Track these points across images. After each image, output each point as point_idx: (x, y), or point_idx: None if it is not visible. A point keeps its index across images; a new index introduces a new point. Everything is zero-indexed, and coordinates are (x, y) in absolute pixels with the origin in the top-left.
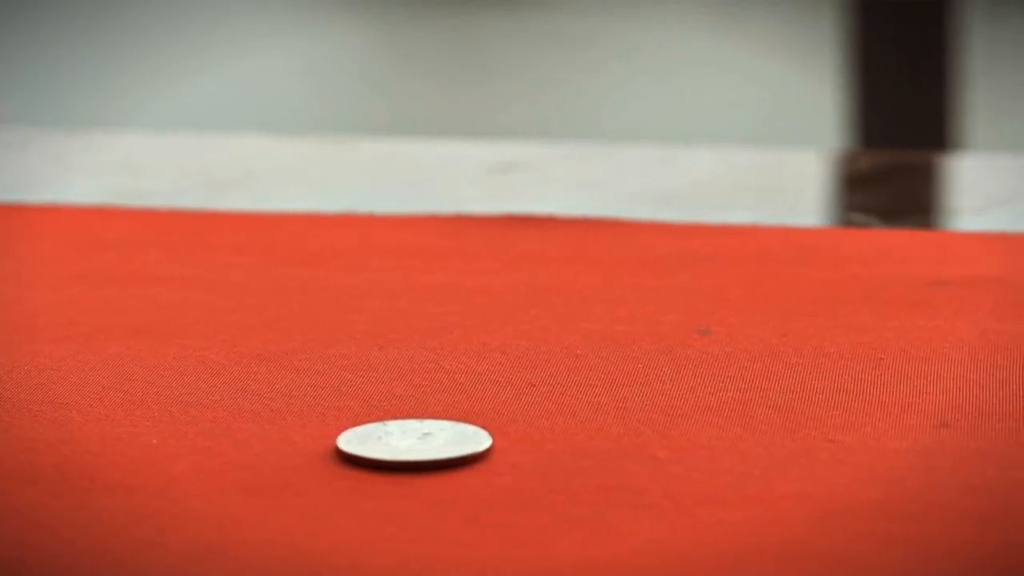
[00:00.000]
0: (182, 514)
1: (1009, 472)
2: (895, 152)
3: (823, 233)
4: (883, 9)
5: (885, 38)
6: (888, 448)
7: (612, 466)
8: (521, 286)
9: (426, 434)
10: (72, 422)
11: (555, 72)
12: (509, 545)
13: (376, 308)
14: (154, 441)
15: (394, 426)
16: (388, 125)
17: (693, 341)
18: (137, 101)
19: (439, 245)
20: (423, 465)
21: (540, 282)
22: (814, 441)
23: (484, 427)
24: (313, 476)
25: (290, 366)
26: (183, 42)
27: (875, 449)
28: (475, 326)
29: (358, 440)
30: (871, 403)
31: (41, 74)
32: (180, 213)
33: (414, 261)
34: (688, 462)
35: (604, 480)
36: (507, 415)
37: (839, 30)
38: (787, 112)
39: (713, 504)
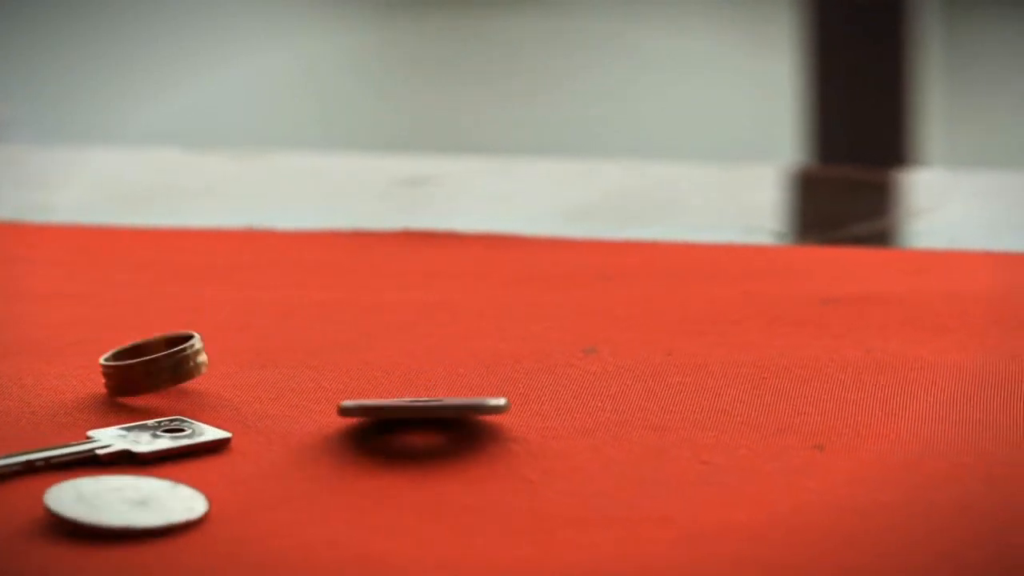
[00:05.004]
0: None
1: (878, 495)
2: (822, 167)
3: (725, 249)
4: (835, 15)
5: (836, 44)
6: (760, 470)
7: (481, 488)
8: (414, 303)
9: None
10: None
11: (474, 83)
12: (367, 568)
13: (264, 326)
14: None
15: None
16: (304, 139)
17: (577, 360)
18: (49, 116)
19: (336, 261)
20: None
21: (433, 299)
22: (686, 462)
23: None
24: None
25: None
26: (100, 57)
27: (747, 471)
28: (362, 344)
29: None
30: (748, 424)
31: None
32: (85, 229)
33: (308, 277)
34: (558, 484)
35: (472, 502)
36: (379, 435)
37: (792, 40)
38: (718, 125)
39: (578, 526)
